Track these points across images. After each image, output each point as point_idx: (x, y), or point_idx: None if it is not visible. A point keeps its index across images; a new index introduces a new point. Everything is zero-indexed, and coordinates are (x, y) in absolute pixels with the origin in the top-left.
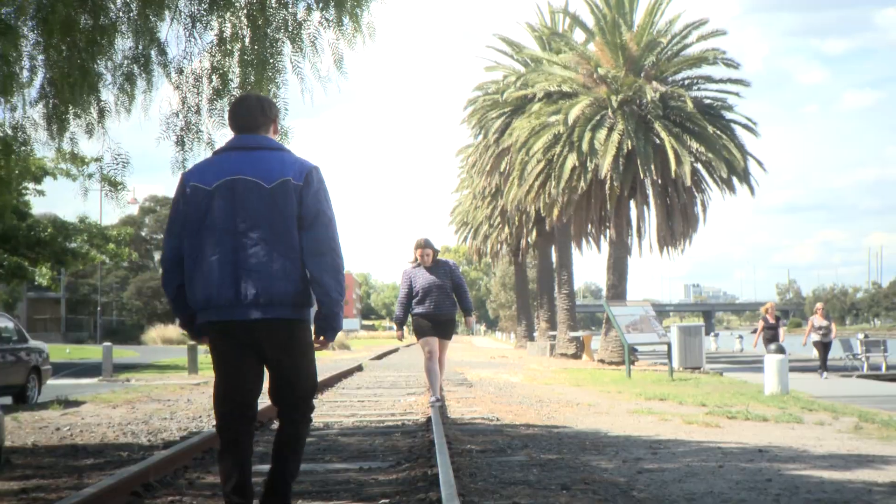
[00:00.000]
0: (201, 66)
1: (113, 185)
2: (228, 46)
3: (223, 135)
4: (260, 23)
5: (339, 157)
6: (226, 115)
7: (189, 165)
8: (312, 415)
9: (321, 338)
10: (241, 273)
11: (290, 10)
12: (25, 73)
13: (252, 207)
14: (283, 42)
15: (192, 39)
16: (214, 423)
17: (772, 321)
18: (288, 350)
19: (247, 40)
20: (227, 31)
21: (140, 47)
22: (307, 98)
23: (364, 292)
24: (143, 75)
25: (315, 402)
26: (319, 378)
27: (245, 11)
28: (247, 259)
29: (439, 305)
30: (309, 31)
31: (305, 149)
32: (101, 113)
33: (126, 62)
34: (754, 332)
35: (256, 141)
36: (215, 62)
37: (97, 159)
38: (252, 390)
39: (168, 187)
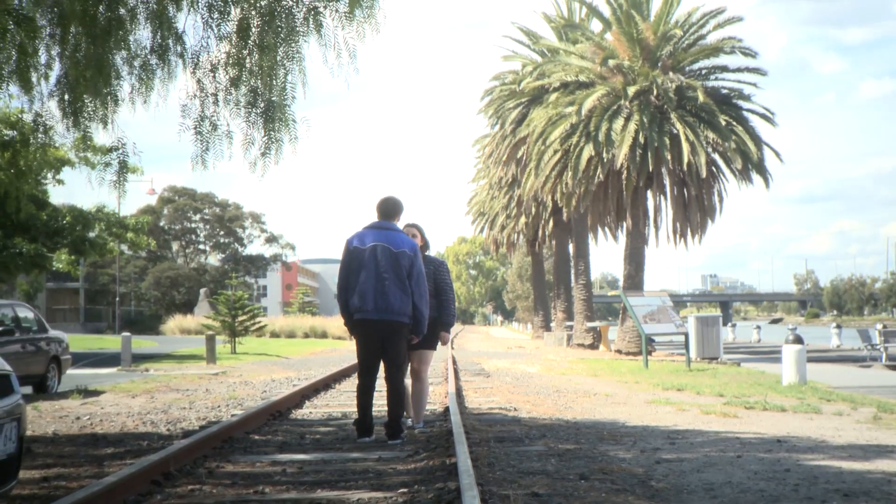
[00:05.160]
0: (217, 57)
1: (123, 173)
2: (247, 38)
3: (238, 125)
4: (276, 12)
5: (355, 146)
6: (241, 105)
7: (209, 158)
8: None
9: (413, 336)
10: (378, 295)
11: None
12: (42, 65)
13: (386, 261)
14: (296, 32)
15: (210, 29)
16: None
17: None
18: (394, 337)
19: (255, 30)
20: (246, 21)
21: (158, 38)
22: (322, 86)
23: None
24: (162, 65)
25: (405, 367)
26: (343, 365)
27: (264, 1)
28: (382, 288)
29: None
30: (321, 21)
31: (321, 138)
32: (116, 103)
33: (144, 53)
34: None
35: (390, 225)
36: (232, 52)
37: (114, 149)
38: (377, 357)
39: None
